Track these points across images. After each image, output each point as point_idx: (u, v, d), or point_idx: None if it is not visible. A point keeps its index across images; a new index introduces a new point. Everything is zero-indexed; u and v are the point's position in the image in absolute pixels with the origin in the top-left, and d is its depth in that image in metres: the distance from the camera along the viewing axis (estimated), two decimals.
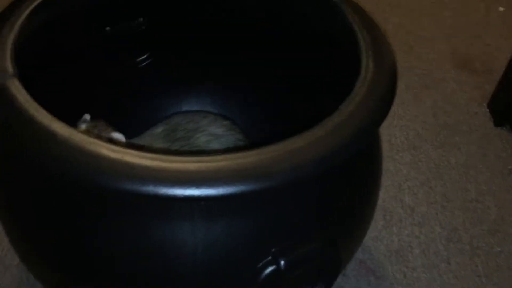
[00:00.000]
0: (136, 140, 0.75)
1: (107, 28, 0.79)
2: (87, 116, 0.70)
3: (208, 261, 0.53)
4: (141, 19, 0.82)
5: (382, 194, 0.93)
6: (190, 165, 0.47)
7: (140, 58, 0.87)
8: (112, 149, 0.46)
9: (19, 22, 0.58)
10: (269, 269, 0.53)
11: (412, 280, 0.81)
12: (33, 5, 0.61)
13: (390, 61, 0.60)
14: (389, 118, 1.11)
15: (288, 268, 0.54)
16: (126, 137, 0.71)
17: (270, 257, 0.53)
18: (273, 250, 0.53)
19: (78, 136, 0.47)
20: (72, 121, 0.62)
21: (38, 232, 0.55)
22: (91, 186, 0.47)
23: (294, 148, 0.50)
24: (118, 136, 0.68)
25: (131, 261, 0.52)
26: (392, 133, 1.05)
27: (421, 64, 1.23)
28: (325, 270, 0.59)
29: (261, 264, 0.53)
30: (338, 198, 0.58)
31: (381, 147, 0.68)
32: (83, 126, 0.68)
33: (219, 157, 0.49)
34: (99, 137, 0.67)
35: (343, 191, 0.58)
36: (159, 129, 0.74)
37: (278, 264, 0.53)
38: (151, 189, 0.46)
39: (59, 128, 0.47)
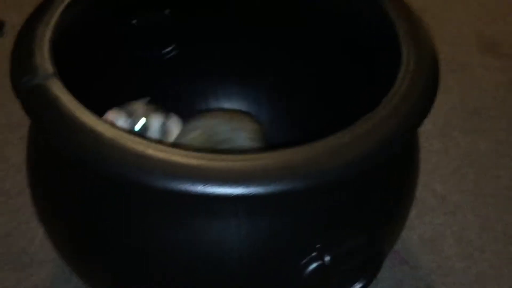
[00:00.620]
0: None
1: (134, 21, 0.79)
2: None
3: (253, 258, 0.52)
4: (167, 11, 0.81)
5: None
6: (236, 163, 0.47)
7: (166, 50, 0.86)
8: (158, 148, 0.46)
9: (53, 20, 0.58)
10: (314, 265, 0.53)
11: (447, 269, 0.81)
12: (65, 2, 0.61)
13: (432, 52, 0.58)
14: None
15: (333, 263, 0.53)
16: None
17: (315, 253, 0.53)
18: (317, 246, 0.53)
19: (124, 136, 0.46)
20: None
21: (83, 230, 0.55)
22: (137, 186, 0.47)
23: (339, 144, 0.49)
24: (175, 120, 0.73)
25: (177, 258, 0.52)
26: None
27: (446, 49, 1.20)
28: (368, 264, 0.58)
29: (306, 260, 0.53)
30: (380, 194, 0.57)
31: (419, 140, 0.67)
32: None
33: (264, 155, 0.48)
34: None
35: (385, 187, 0.57)
36: (196, 133, 0.72)
37: (323, 259, 0.53)
38: (199, 188, 0.45)
39: (105, 129, 0.46)
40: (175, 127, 0.72)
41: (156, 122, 0.70)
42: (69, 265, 0.64)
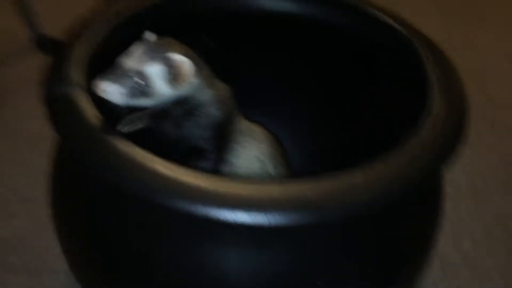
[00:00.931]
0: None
1: None
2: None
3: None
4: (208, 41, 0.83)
5: (440, 239, 0.88)
6: (241, 190, 0.47)
7: None
8: (167, 167, 0.47)
9: (95, 42, 0.61)
10: None
11: None
12: (110, 27, 0.64)
13: (461, 99, 0.57)
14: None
15: None
16: None
17: None
18: (318, 282, 0.51)
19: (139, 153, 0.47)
20: None
21: (91, 242, 0.56)
22: (145, 201, 0.48)
23: (350, 183, 0.48)
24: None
25: (175, 277, 0.52)
26: (456, 175, 1.00)
27: (489, 105, 1.18)
28: None
29: None
30: (391, 238, 0.55)
31: (443, 188, 0.64)
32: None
33: (289, 186, 0.48)
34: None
35: (398, 231, 0.55)
36: (252, 154, 0.66)
37: None
38: (201, 209, 0.45)
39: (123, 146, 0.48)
40: (186, 68, 0.56)
41: (154, 70, 0.55)
42: (80, 281, 0.65)
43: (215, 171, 0.63)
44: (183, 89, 0.58)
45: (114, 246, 0.55)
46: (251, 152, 0.66)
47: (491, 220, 0.92)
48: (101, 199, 0.55)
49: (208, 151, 0.62)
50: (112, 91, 0.52)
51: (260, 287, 0.51)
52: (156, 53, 0.55)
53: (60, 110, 0.51)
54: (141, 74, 0.54)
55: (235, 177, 0.63)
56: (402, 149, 0.51)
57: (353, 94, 0.76)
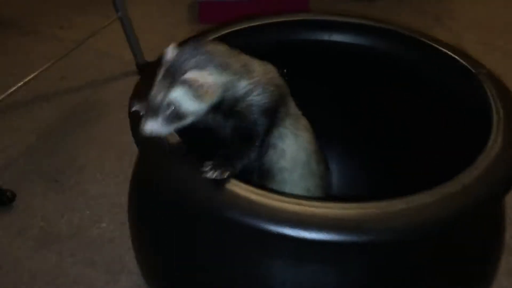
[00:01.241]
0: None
1: None
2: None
3: None
4: (284, 71, 0.88)
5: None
6: (290, 206, 0.51)
7: None
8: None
9: None
10: None
11: None
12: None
13: None
14: None
15: None
16: None
17: None
18: None
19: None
20: None
21: (156, 250, 0.63)
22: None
23: (399, 208, 0.50)
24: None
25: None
26: None
27: None
28: None
29: None
30: (445, 267, 0.55)
31: (504, 219, 0.63)
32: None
33: (318, 203, 0.51)
34: None
35: (451, 260, 0.56)
36: (300, 143, 0.67)
37: None
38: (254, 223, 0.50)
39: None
40: (204, 83, 0.57)
41: (177, 96, 0.56)
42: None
43: (260, 156, 0.63)
44: (213, 98, 0.59)
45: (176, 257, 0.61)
46: (300, 141, 0.66)
47: None
48: (167, 214, 0.61)
49: (255, 135, 0.62)
50: (155, 129, 0.56)
51: None
52: (174, 77, 0.57)
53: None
54: (169, 103, 0.56)
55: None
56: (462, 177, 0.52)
57: (415, 127, 0.77)
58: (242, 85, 0.61)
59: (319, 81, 0.82)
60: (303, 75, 0.77)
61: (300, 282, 0.54)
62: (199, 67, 0.57)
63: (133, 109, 0.61)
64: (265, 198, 0.51)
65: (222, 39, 0.69)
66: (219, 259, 0.57)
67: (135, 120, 0.59)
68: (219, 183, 0.52)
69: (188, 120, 0.58)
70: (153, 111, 0.56)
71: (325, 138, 0.72)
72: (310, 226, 0.48)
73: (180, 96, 0.56)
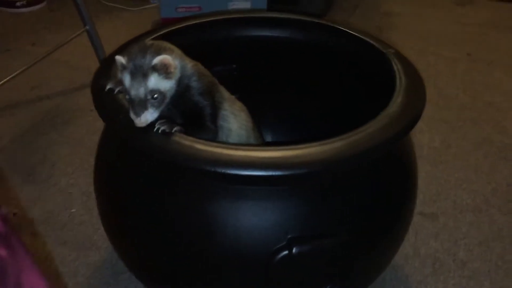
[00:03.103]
0: None
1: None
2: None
3: (234, 237, 0.64)
4: (234, 66, 1.01)
5: (435, 245, 0.96)
6: (227, 151, 0.62)
7: None
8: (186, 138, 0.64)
9: None
10: (283, 253, 0.63)
11: None
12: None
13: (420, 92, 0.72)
14: (458, 181, 1.17)
15: (299, 255, 0.63)
16: None
17: (284, 242, 0.63)
18: (289, 236, 0.63)
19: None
20: None
21: (128, 208, 0.72)
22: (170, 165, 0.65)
23: (331, 147, 0.62)
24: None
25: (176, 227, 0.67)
26: (458, 194, 1.09)
27: (504, 138, 1.25)
28: (336, 268, 0.66)
29: (277, 247, 0.63)
30: (362, 198, 0.67)
31: (413, 158, 0.77)
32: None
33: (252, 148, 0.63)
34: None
35: (368, 192, 0.68)
36: (239, 122, 0.80)
37: (290, 250, 0.63)
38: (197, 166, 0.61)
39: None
40: (169, 61, 0.68)
41: (154, 80, 0.67)
42: (115, 248, 0.81)
43: (214, 137, 0.74)
44: (177, 73, 0.70)
45: (140, 208, 0.70)
46: (239, 120, 0.79)
47: (487, 232, 0.99)
48: (134, 169, 0.70)
49: (204, 116, 0.73)
50: (149, 118, 0.66)
51: (243, 235, 0.65)
52: (143, 70, 0.67)
53: (103, 98, 0.70)
54: (151, 91, 0.67)
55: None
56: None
57: (338, 97, 0.93)
58: (189, 66, 0.73)
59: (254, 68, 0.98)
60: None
61: (240, 220, 0.65)
62: (157, 54, 0.68)
63: (108, 87, 0.72)
64: (206, 146, 0.62)
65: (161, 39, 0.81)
66: (169, 207, 0.67)
67: (98, 95, 0.71)
68: (168, 135, 0.64)
69: (168, 99, 0.70)
70: (141, 105, 0.66)
71: (258, 116, 0.85)
72: (245, 165, 0.60)
73: (156, 81, 0.67)
